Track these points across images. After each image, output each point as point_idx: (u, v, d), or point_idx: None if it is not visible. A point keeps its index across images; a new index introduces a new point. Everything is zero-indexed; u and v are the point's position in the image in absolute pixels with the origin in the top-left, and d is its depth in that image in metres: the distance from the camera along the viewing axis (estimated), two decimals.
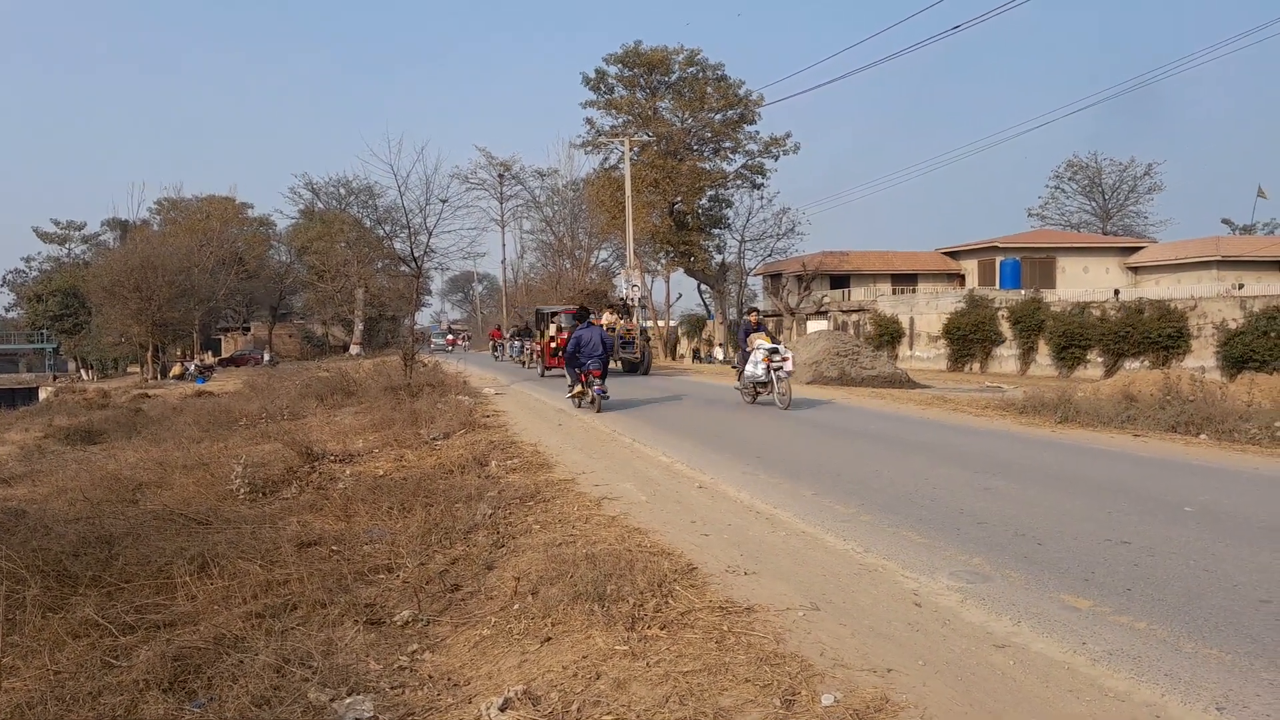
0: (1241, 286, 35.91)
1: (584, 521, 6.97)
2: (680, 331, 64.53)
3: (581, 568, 5.34)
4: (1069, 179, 67.57)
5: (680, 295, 56.47)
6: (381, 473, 9.78)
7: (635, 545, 6.14)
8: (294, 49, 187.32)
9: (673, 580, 5.29)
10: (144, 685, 4.28)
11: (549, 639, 4.58)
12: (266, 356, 57.53)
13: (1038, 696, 3.82)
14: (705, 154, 48.08)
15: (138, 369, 53.79)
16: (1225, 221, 62.36)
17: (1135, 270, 44.97)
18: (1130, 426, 12.08)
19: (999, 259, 46.45)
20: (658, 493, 8.26)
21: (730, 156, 48.19)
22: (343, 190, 64.89)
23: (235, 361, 57.24)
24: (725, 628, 4.58)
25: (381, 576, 5.98)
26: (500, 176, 64.45)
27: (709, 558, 5.93)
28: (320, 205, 65.55)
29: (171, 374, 45.77)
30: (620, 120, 47.04)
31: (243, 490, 8.86)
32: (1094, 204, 67.38)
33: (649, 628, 4.59)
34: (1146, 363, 25.18)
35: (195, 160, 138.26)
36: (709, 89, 46.16)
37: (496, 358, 40.88)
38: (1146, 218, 66.01)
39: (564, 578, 5.22)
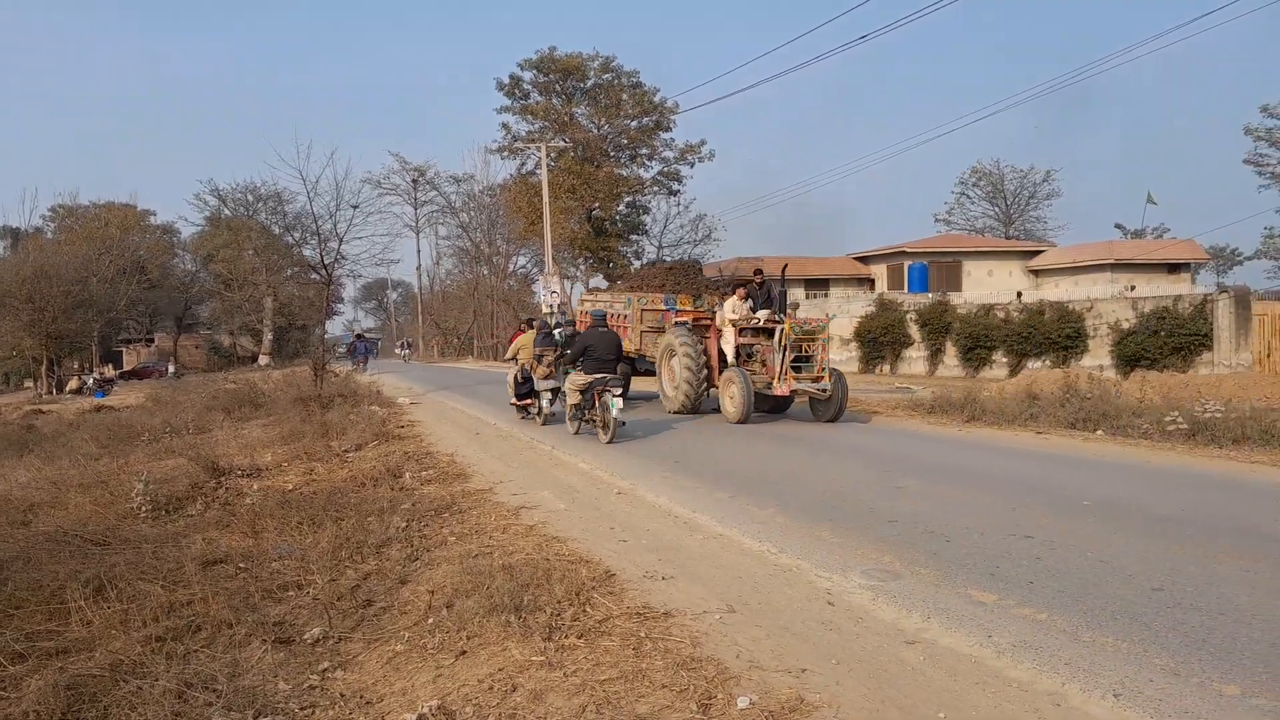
0: (1133, 288, 37.60)
1: (501, 532, 6.90)
2: None
3: (498, 579, 5.27)
4: (973, 185, 69.79)
5: None
6: (291, 487, 9.52)
7: (553, 554, 6.10)
8: (198, 49, 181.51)
9: (591, 588, 5.27)
10: (34, 717, 4.07)
11: (464, 653, 4.51)
12: (171, 369, 55.45)
13: (946, 690, 3.92)
14: (622, 160, 48.24)
15: (31, 384, 51.29)
16: (1118, 226, 65.17)
17: (1036, 273, 46.66)
18: (1033, 424, 12.53)
19: (907, 263, 47.67)
20: (577, 500, 8.23)
21: (647, 163, 48.48)
22: (250, 197, 63.01)
23: (137, 374, 55.01)
24: (643, 634, 4.58)
25: (291, 594, 5.80)
26: (414, 182, 63.53)
27: (627, 564, 5.93)
28: (227, 212, 63.52)
29: (68, 388, 43.74)
30: (537, 126, 46.86)
31: (144, 508, 8.50)
32: (997, 209, 69.76)
33: (566, 637, 4.56)
34: (1048, 362, 26.14)
35: (93, 166, 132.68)
36: (624, 96, 46.33)
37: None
38: (1046, 222, 68.66)
39: (480, 590, 5.15)
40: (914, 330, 31.55)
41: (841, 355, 36.89)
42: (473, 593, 5.15)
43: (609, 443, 11.56)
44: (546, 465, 10.40)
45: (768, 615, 4.91)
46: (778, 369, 13.46)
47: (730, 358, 14.20)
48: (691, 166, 48.22)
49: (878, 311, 33.15)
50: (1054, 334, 26.63)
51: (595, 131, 47.02)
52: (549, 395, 14.15)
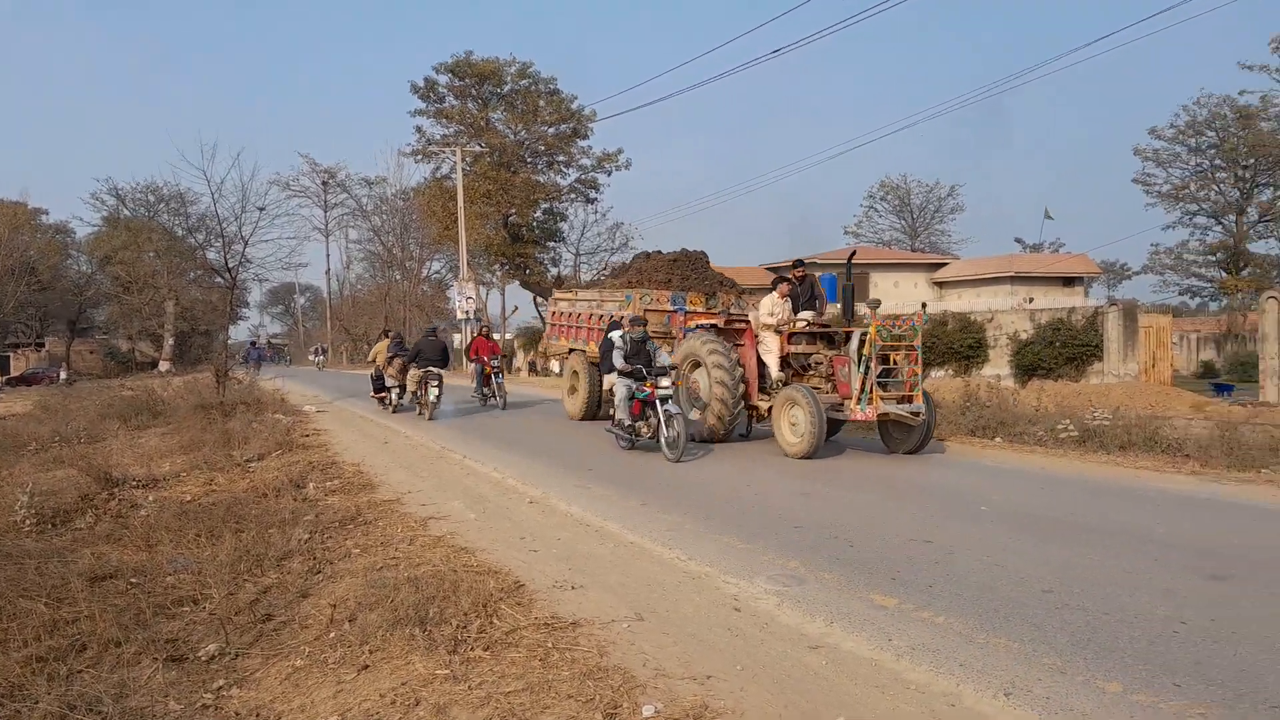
0: (1031, 300, 39.11)
1: (408, 543, 6.78)
2: (517, 344, 64.11)
3: (403, 591, 5.18)
4: (881, 199, 71.69)
5: (516, 308, 56.12)
6: (189, 498, 9.18)
7: (461, 565, 6.03)
8: (96, 42, 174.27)
9: (499, 599, 5.22)
10: None
11: (367, 667, 4.42)
12: (63, 374, 52.94)
13: (848, 694, 4.00)
14: (539, 167, 48.02)
15: None
16: (1018, 240, 67.70)
17: (941, 285, 48.17)
18: (936, 432, 12.89)
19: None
20: (487, 510, 8.15)
21: (564, 170, 48.39)
22: (152, 197, 60.73)
23: (26, 380, 52.31)
24: (550, 644, 4.55)
25: (186, 609, 5.59)
26: (324, 184, 62.15)
27: (537, 574, 5.89)
28: (126, 213, 61.05)
29: None
30: (452, 130, 46.33)
31: (28, 521, 8.09)
32: (904, 223, 71.79)
33: (472, 649, 4.51)
34: (951, 371, 27.00)
35: None
36: (542, 102, 46.15)
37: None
38: (950, 236, 70.95)
39: (384, 603, 5.05)
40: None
41: None
42: (376, 606, 5.05)
43: (430, 419, 16.27)
44: (457, 474, 10.27)
45: (675, 623, 4.94)
46: (856, 385, 10.49)
47: (774, 370, 11.67)
48: (609, 175, 48.35)
49: None
50: (957, 344, 27.52)
51: (512, 137, 46.72)
52: (398, 390, 18.54)
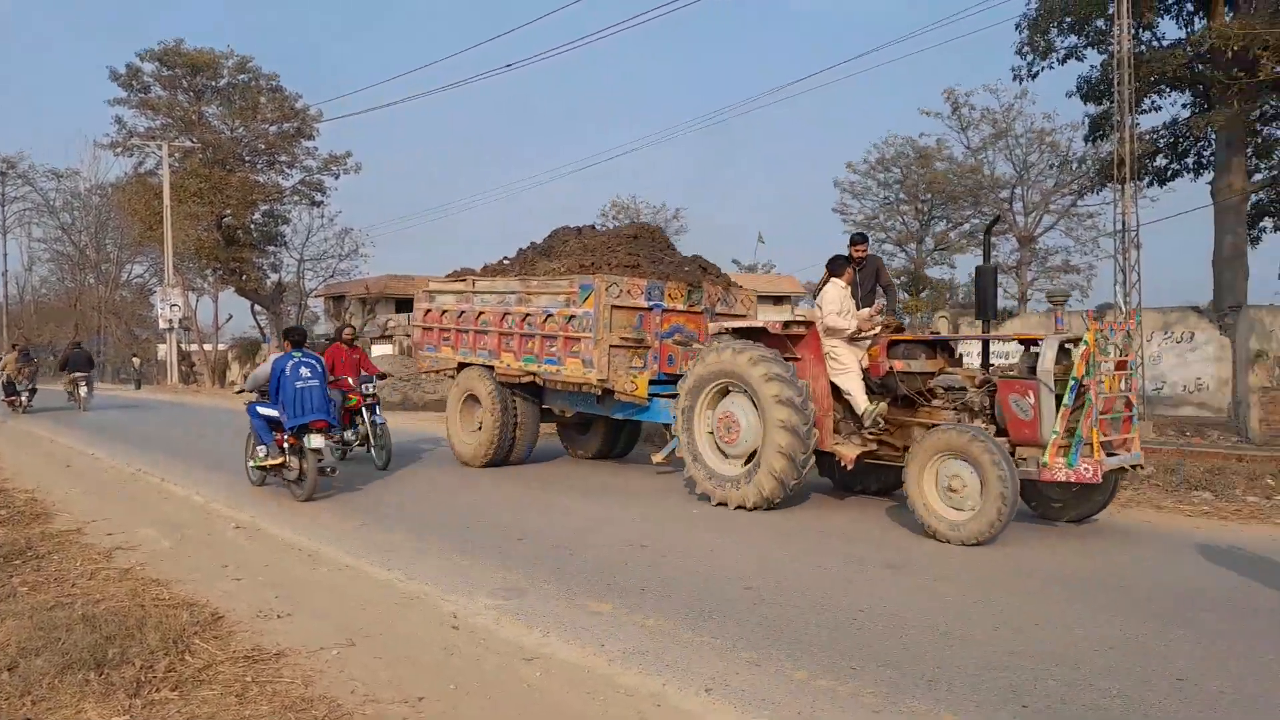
0: None
1: (88, 578, 6.09)
2: (231, 356, 59.63)
3: (77, 632, 4.65)
4: (613, 218, 73.93)
5: (231, 316, 52.06)
6: None
7: (150, 599, 5.51)
8: None
9: (192, 634, 4.82)
10: None
11: None
12: None
13: (561, 702, 4.06)
14: (259, 166, 45.08)
15: None
16: (735, 261, 72.33)
17: None
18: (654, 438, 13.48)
19: None
20: (186, 537, 7.50)
21: (287, 171, 45.73)
22: None
23: None
24: (250, 678, 4.26)
25: None
26: (1, 175, 54.74)
27: (239, 604, 5.50)
28: None
29: None
30: (159, 122, 42.42)
31: None
32: None
33: (158, 690, 4.12)
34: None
35: None
36: (263, 99, 43.39)
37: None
38: None
39: (53, 646, 4.50)
40: None
41: None
42: (43, 650, 4.49)
43: (85, 410, 17.79)
44: (153, 499, 9.38)
45: (389, 646, 4.79)
46: (1055, 427, 6.91)
47: (860, 398, 7.98)
48: (336, 178, 46.30)
49: None
50: None
51: (228, 134, 43.57)
52: (27, 394, 21.13)
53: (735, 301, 11.01)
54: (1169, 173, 24.16)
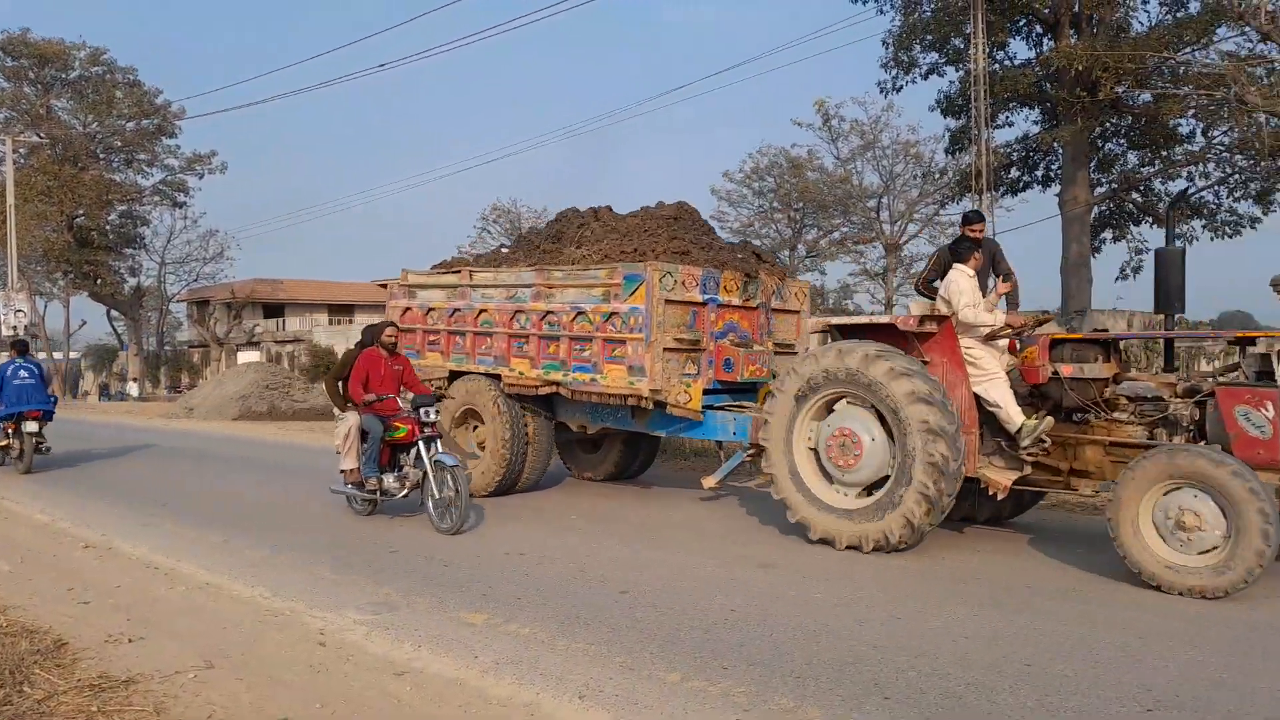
0: None
1: None
2: (84, 364, 56.24)
3: None
4: (494, 221, 73.28)
5: (84, 323, 49.03)
6: None
7: None
8: None
9: (32, 663, 4.51)
10: None
11: None
12: None
13: (431, 716, 3.98)
14: (115, 164, 42.76)
15: None
16: None
17: None
18: None
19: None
20: (29, 560, 7.02)
21: (147, 170, 43.52)
22: None
23: None
24: (95, 708, 4.02)
25: None
26: None
27: (86, 629, 5.18)
28: None
29: None
30: (1, 115, 39.69)
31: None
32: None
33: None
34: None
35: None
36: (119, 93, 41.15)
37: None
38: None
39: None
40: None
41: None
42: None
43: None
44: None
45: (252, 666, 4.60)
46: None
47: (1013, 411, 6.70)
48: (201, 178, 44.35)
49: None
50: None
51: (80, 129, 41.13)
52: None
53: (789, 295, 9.54)
54: (1021, 184, 25.64)
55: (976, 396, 6.79)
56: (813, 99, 34.08)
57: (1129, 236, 25.20)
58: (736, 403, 8.56)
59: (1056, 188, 24.01)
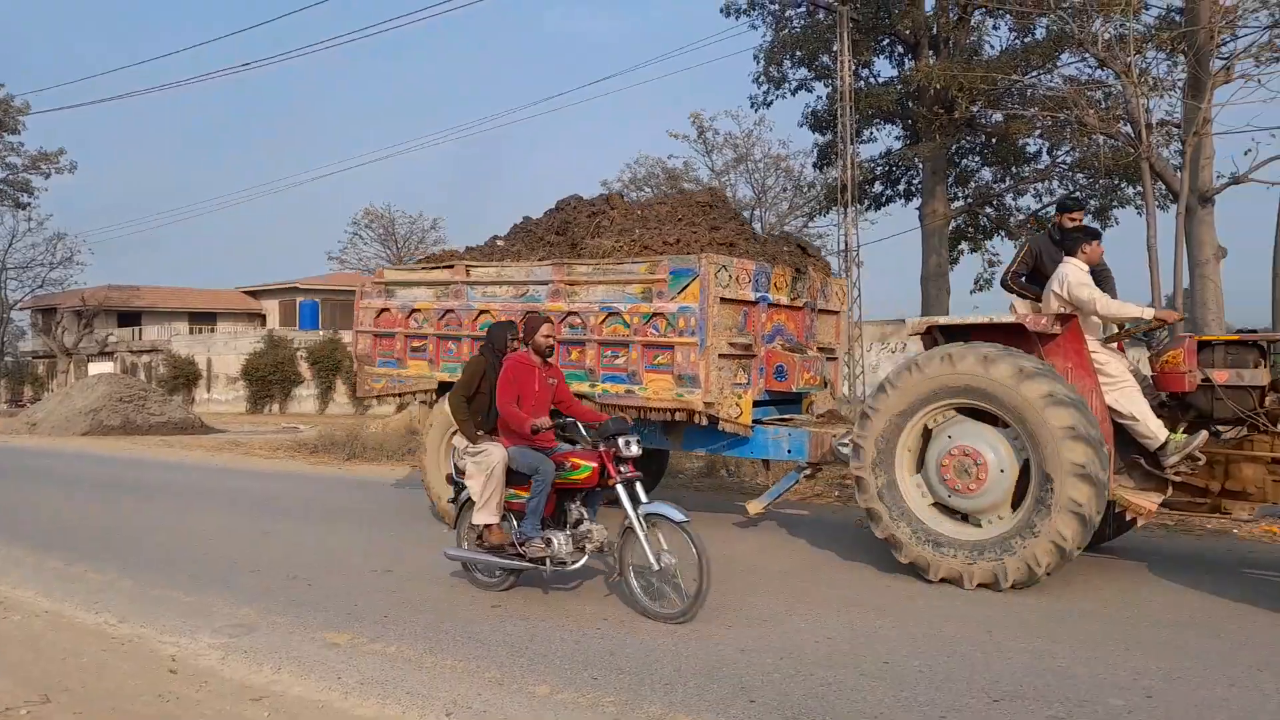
0: None
1: None
2: None
3: None
4: (366, 226, 71.48)
5: None
6: None
7: None
8: None
9: None
10: None
11: None
12: None
13: None
14: None
15: None
16: None
17: None
18: (409, 458, 13.11)
19: (300, 300, 46.97)
20: None
21: None
22: None
23: None
24: None
25: None
26: None
27: None
28: None
29: None
30: None
31: None
32: (389, 251, 72.30)
33: None
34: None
35: None
36: None
37: None
38: None
39: None
40: (305, 368, 31.12)
41: (228, 395, 34.85)
42: None
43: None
44: None
45: (94, 698, 4.33)
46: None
47: (1150, 421, 5.98)
48: (47, 177, 41.57)
49: (267, 349, 32.06)
50: None
51: None
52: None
53: (831, 294, 8.66)
54: (884, 198, 26.69)
55: (1112, 411, 6.00)
56: (688, 111, 34.68)
57: (983, 249, 26.58)
58: (781, 416, 7.69)
59: (917, 201, 25.09)
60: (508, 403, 5.78)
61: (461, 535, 6.18)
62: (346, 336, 34.15)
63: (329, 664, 4.72)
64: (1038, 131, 20.62)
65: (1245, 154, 25.57)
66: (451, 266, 8.47)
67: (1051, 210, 23.79)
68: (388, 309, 8.79)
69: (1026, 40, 21.41)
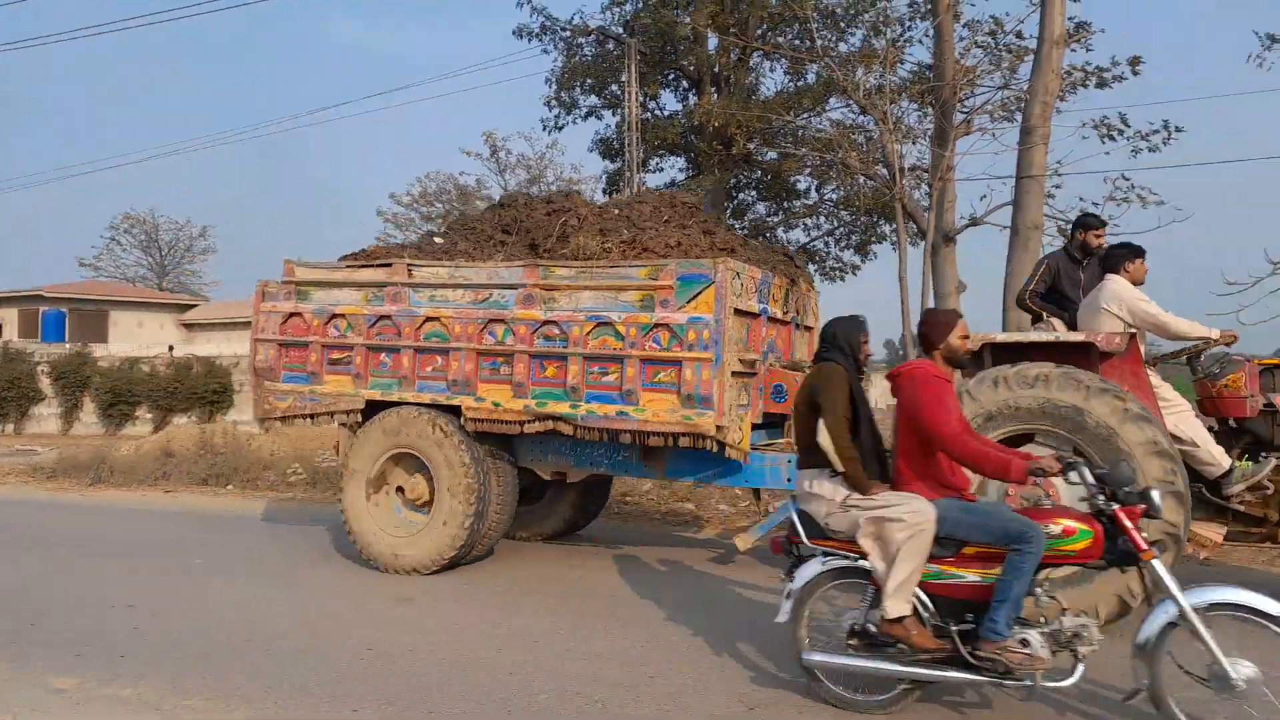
0: None
1: None
2: None
3: None
4: (125, 232, 65.87)
5: None
6: None
7: None
8: None
9: None
10: None
11: None
12: None
13: None
14: None
15: None
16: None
17: (189, 327, 45.86)
18: (164, 483, 12.17)
19: (44, 309, 42.55)
20: None
21: None
22: None
23: None
24: None
25: None
26: None
27: None
28: None
29: None
30: None
31: None
32: (151, 259, 66.95)
33: None
34: (195, 417, 25.82)
35: None
36: None
37: None
38: (201, 277, 68.24)
39: None
40: (47, 384, 28.18)
41: None
42: None
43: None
44: None
45: None
46: None
47: (1211, 446, 5.60)
48: None
49: (2, 362, 28.69)
50: (201, 389, 26.52)
51: None
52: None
53: (808, 309, 8.07)
54: None
55: (1175, 440, 5.45)
56: (481, 129, 34.53)
57: None
58: (765, 440, 7.09)
59: None
60: (958, 434, 4.10)
61: (804, 627, 4.29)
62: (99, 350, 31.16)
63: (53, 712, 4.29)
64: (807, 170, 22.03)
65: (981, 199, 28.50)
66: (389, 265, 7.30)
67: (817, 244, 25.70)
68: (298, 314, 7.48)
69: (799, 84, 22.91)
